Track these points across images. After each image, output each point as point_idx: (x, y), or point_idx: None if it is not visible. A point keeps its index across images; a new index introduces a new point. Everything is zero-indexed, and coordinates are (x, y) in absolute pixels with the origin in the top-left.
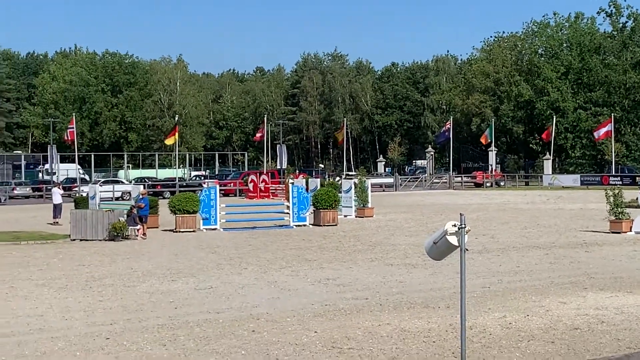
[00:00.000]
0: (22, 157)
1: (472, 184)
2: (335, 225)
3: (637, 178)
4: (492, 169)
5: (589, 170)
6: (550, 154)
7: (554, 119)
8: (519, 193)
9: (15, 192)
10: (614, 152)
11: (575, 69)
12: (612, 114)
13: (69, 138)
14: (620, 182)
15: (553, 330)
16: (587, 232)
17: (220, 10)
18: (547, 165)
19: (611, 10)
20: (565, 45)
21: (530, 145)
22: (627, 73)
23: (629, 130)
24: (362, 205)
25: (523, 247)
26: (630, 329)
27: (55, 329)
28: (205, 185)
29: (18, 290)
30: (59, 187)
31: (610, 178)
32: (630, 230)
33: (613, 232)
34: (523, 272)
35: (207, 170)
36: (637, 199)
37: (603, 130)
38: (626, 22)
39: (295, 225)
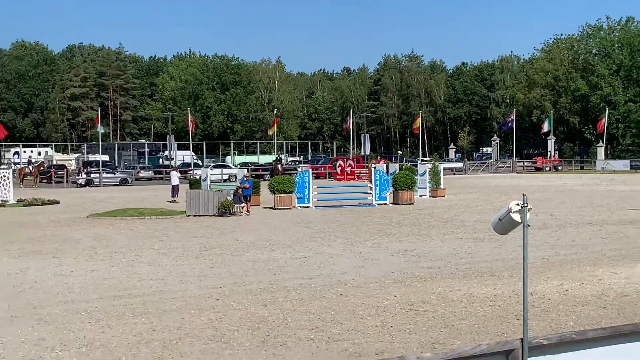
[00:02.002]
0: (146, 145)
1: (533, 168)
2: (412, 204)
3: None
4: (550, 155)
5: (638, 156)
6: (602, 142)
7: (607, 111)
8: (575, 176)
9: (140, 174)
10: None
11: (626, 67)
12: None
13: (191, 128)
14: None
15: (605, 297)
16: (636, 211)
17: (313, 19)
18: (600, 151)
19: None
20: (617, 45)
21: (585, 134)
22: None
23: None
24: (435, 186)
25: (578, 223)
26: None
27: (173, 291)
28: (299, 169)
29: (143, 258)
30: (176, 171)
31: None
32: None
33: None
34: (578, 246)
35: (301, 156)
36: None
37: None
38: None
39: (377, 204)
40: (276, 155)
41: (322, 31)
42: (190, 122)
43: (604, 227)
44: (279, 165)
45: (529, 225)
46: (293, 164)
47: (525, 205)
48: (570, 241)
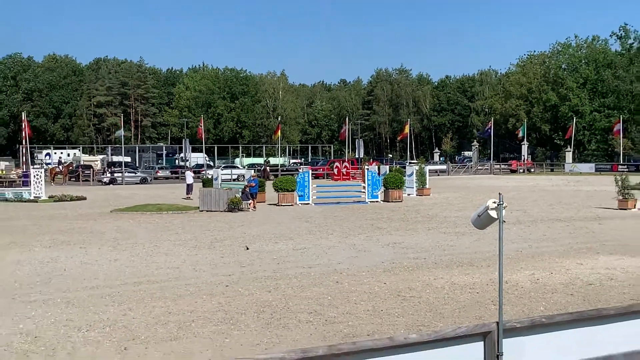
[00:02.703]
0: (164, 148)
1: (508, 170)
2: (401, 201)
3: None
4: (524, 158)
5: (602, 160)
6: (570, 147)
7: (574, 119)
8: (546, 178)
9: (158, 174)
10: (622, 145)
11: (592, 80)
12: (621, 116)
13: (201, 134)
14: (627, 169)
15: (572, 285)
16: (600, 209)
17: (313, 36)
18: (568, 156)
19: (621, 34)
20: (584, 61)
21: (555, 140)
22: (633, 83)
23: (634, 128)
24: (421, 186)
25: (548, 219)
26: (633, 285)
27: (187, 278)
28: (300, 170)
29: (160, 249)
30: (190, 171)
31: (619, 166)
32: (635, 208)
33: (620, 209)
34: (548, 240)
35: (302, 159)
36: None
37: (615, 129)
38: (633, 43)
39: (370, 202)
40: (265, 159)
41: (321, 47)
42: (200, 129)
43: (571, 223)
44: (267, 168)
45: (504, 221)
46: (295, 165)
47: (501, 203)
48: (541, 235)
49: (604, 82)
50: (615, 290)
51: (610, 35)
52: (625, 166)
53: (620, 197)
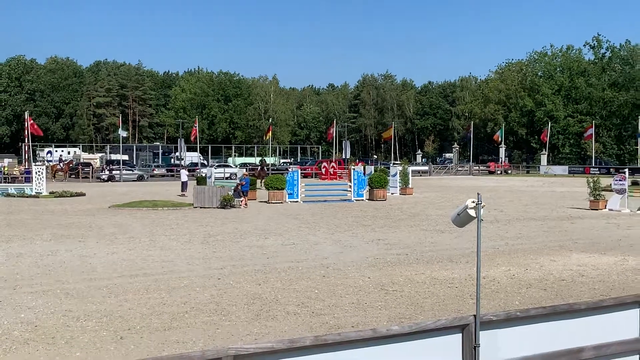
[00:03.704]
0: (160, 147)
1: (487, 171)
2: (385, 200)
3: (611, 169)
4: (502, 160)
5: (575, 162)
6: (545, 150)
7: (549, 124)
8: (522, 179)
9: (155, 172)
10: (594, 149)
11: (566, 87)
12: (593, 121)
13: (193, 134)
14: (598, 172)
15: (545, 281)
16: (572, 209)
17: (303, 41)
18: (543, 158)
19: (594, 44)
20: (558, 69)
21: (531, 143)
22: (605, 91)
23: (605, 133)
24: (404, 186)
25: (524, 218)
26: (603, 281)
27: (181, 271)
28: (290, 169)
29: (156, 243)
30: (185, 169)
31: (591, 169)
32: (605, 208)
33: (592, 209)
34: (524, 238)
35: (292, 158)
36: (610, 184)
37: (587, 133)
38: (605, 52)
39: (356, 200)
40: (261, 159)
41: (311, 52)
42: (194, 130)
43: (545, 222)
44: (265, 167)
45: (482, 220)
46: (285, 165)
47: (480, 202)
48: (517, 233)
49: (577, 89)
50: (586, 286)
51: (584, 45)
52: (597, 169)
53: (592, 198)
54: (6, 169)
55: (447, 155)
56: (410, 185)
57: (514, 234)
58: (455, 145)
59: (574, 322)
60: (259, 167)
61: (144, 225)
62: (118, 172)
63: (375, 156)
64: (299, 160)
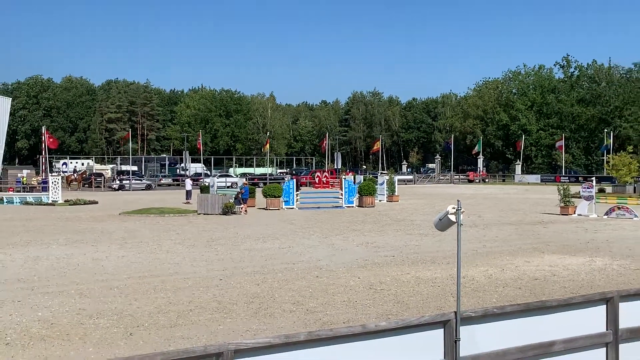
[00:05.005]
0: (166, 158)
1: (466, 180)
2: (373, 207)
3: (579, 178)
4: (480, 170)
5: (547, 172)
6: (520, 161)
7: (523, 137)
8: (498, 187)
9: (162, 182)
10: (564, 160)
11: (538, 103)
12: (563, 134)
13: (198, 147)
14: (568, 180)
15: (520, 280)
16: (545, 214)
17: (298, 62)
18: (518, 168)
19: (563, 63)
20: (531, 86)
21: (506, 154)
22: (573, 106)
23: (574, 145)
24: (391, 193)
25: (500, 223)
26: (573, 280)
27: (186, 273)
28: (286, 179)
29: (162, 247)
30: (190, 179)
31: (561, 178)
32: (574, 213)
33: (562, 214)
34: (500, 240)
35: (288, 169)
36: (579, 192)
37: (558, 145)
38: (573, 71)
39: (346, 206)
40: (293, 169)
41: (305, 72)
42: (198, 143)
43: (520, 226)
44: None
45: (462, 224)
46: (281, 174)
47: (460, 208)
48: (494, 237)
49: (548, 105)
50: (557, 285)
51: (554, 65)
52: (567, 177)
53: (562, 204)
54: (25, 179)
55: (430, 165)
56: (396, 193)
57: (491, 237)
58: (438, 156)
59: (546, 317)
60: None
61: (152, 231)
62: (128, 181)
63: (365, 166)
64: (294, 171)
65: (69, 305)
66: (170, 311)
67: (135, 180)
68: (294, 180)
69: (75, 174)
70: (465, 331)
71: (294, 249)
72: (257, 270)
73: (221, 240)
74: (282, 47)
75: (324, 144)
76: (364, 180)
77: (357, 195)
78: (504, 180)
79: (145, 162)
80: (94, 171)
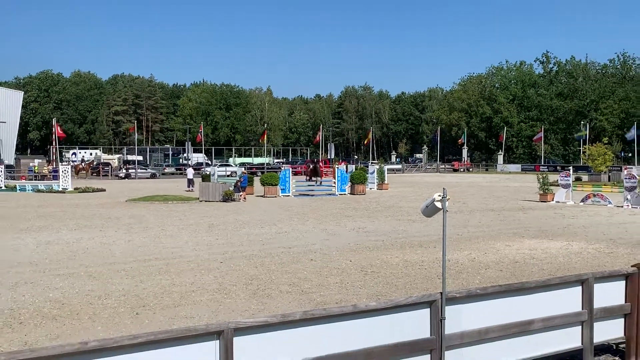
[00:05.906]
0: (170, 149)
1: (452, 169)
2: (364, 194)
3: (557, 167)
4: (464, 160)
5: (527, 161)
6: (502, 151)
7: (505, 129)
8: (482, 176)
9: (165, 171)
10: (543, 150)
11: (519, 97)
12: (542, 126)
13: (200, 138)
14: (547, 169)
15: (501, 263)
16: (525, 201)
17: (294, 58)
18: (500, 158)
19: (543, 59)
20: (513, 81)
21: (489, 145)
22: (552, 100)
23: (553, 136)
24: (381, 182)
25: (483, 209)
26: (551, 263)
27: (188, 256)
28: (282, 168)
29: (166, 232)
30: (192, 168)
31: (540, 167)
32: (553, 200)
33: (541, 201)
34: (483, 226)
35: (284, 159)
36: (557, 180)
37: (537, 136)
38: (552, 66)
39: (339, 194)
40: (315, 157)
41: (300, 67)
42: (199, 134)
43: (501, 213)
44: (317, 165)
45: (447, 211)
46: (278, 164)
47: (445, 196)
48: (477, 222)
49: (529, 98)
50: (536, 267)
51: (535, 61)
52: (546, 167)
53: (541, 192)
54: (36, 168)
55: (418, 155)
56: (386, 182)
57: (474, 223)
58: (425, 147)
59: (526, 298)
60: (311, 166)
61: (156, 217)
62: (133, 170)
63: (356, 156)
64: (290, 160)
65: (78, 286)
66: (173, 292)
67: (140, 169)
68: (289, 169)
69: (83, 164)
70: (450, 311)
71: (290, 234)
72: (255, 253)
73: (221, 225)
74: (279, 44)
75: (318, 136)
76: (356, 169)
77: (349, 184)
78: (487, 170)
79: (149, 152)
80: (102, 161)
